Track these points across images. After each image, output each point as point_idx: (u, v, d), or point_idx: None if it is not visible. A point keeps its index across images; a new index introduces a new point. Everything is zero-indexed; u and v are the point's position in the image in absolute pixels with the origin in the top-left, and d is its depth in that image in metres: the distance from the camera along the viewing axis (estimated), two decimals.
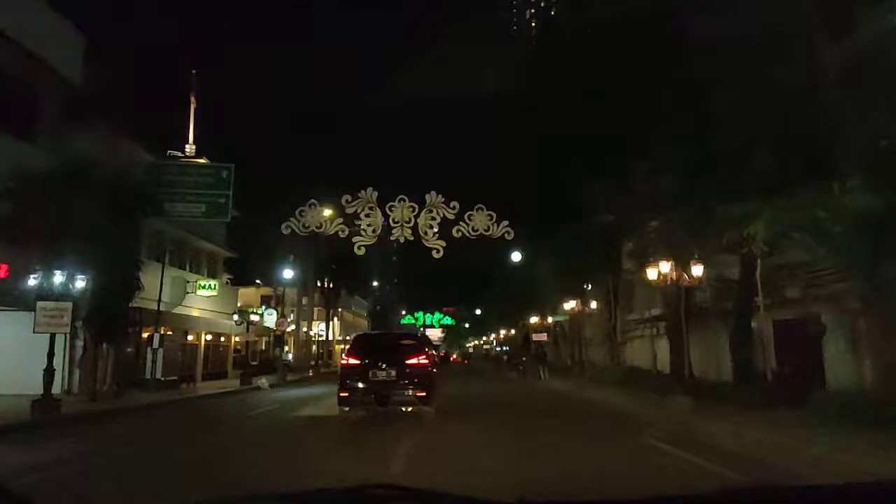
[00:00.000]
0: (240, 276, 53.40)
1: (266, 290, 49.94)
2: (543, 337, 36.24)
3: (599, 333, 33.56)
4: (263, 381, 26.93)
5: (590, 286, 30.83)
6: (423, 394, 12.81)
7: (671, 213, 15.33)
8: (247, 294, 52.65)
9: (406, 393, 12.78)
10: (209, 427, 13.39)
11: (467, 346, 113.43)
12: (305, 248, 44.27)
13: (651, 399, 15.60)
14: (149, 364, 22.23)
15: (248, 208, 35.59)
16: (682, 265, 14.37)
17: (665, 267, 14.39)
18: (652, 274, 14.98)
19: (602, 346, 33.40)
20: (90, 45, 19.24)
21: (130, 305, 19.57)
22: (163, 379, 22.56)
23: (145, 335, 22.88)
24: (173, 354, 24.58)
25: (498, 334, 74.08)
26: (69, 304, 13.86)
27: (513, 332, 60.62)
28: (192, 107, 35.42)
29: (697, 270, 14.21)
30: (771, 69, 12.59)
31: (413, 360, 13.18)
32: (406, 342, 14.66)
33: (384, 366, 12.94)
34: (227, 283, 44.15)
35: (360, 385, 12.85)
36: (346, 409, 13.20)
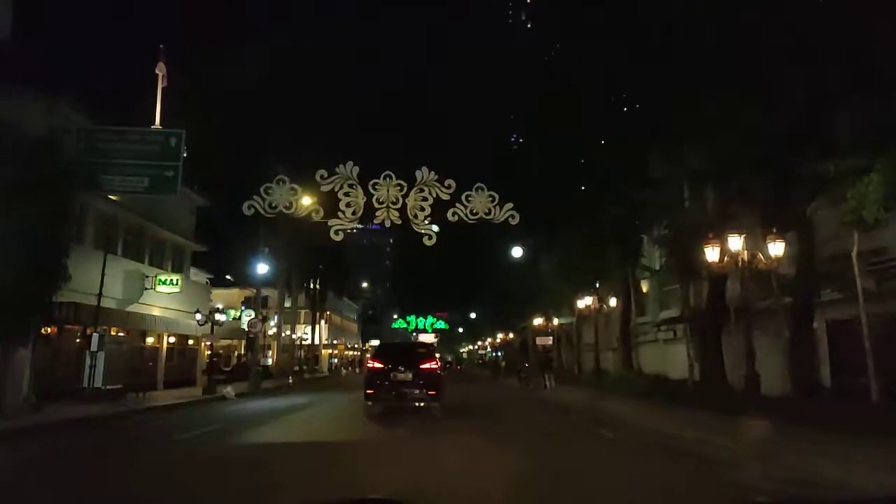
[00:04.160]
0: (224, 276, 50.01)
1: (250, 292, 46.51)
2: (548, 341, 32.80)
3: (607, 337, 30.27)
4: (229, 390, 23.44)
5: (598, 284, 27.61)
6: (434, 392, 15.22)
7: (734, 180, 12.00)
8: (229, 295, 49.57)
9: (420, 391, 15.13)
10: (96, 461, 9.58)
11: (461, 350, 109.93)
12: (291, 245, 40.93)
13: (705, 419, 12.13)
14: (86, 370, 18.70)
15: (227, 201, 32.21)
16: (753, 243, 11.04)
17: (735, 243, 10.98)
18: (712, 255, 11.59)
19: (607, 352, 30.14)
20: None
21: (56, 299, 16.13)
22: (104, 388, 19.03)
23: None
24: (121, 358, 21.06)
25: (494, 339, 70.66)
26: None
27: (511, 336, 57.15)
28: (160, 85, 31.76)
29: (776, 249, 10.85)
30: None
31: (426, 365, 15.75)
32: (420, 350, 17.67)
33: (403, 369, 15.41)
34: (206, 282, 40.70)
35: (385, 384, 15.30)
36: (370, 403, 15.54)
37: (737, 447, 8.23)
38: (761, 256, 10.96)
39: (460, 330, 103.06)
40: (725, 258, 11.30)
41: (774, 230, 10.85)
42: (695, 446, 9.48)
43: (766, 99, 12.40)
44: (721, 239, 11.45)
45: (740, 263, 11.10)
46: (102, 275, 19.19)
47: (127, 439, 12.27)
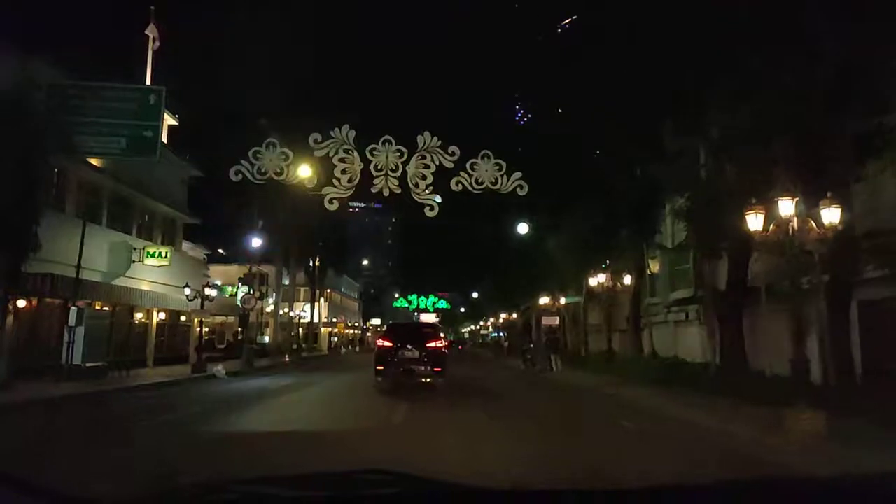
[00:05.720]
0: (221, 252, 48.84)
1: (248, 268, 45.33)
2: (555, 321, 31.49)
3: (615, 318, 29.05)
4: (220, 369, 22.33)
5: (609, 262, 26.36)
6: (439, 369, 16.29)
7: (770, 145, 10.58)
8: (227, 272, 48.47)
9: (426, 368, 16.08)
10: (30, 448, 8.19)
11: (463, 331, 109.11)
12: (290, 220, 39.67)
13: (737, 408, 10.86)
14: (65, 346, 17.53)
15: (223, 172, 30.79)
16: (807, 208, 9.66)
17: (787, 208, 9.58)
18: (755, 223, 10.24)
19: (615, 333, 28.95)
20: None
21: (28, 270, 14.95)
22: (84, 365, 17.86)
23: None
24: (105, 334, 19.88)
25: (497, 319, 69.58)
26: None
27: (514, 316, 56.01)
28: (151, 47, 30.12)
29: (832, 216, 9.48)
30: None
31: (432, 344, 16.66)
32: (427, 330, 19.05)
33: (410, 347, 16.37)
34: (203, 258, 39.52)
35: (394, 361, 16.26)
36: (380, 379, 16.39)
37: (775, 440, 6.95)
38: (813, 225, 9.59)
39: (462, 310, 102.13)
40: (771, 227, 9.92)
41: (829, 195, 9.47)
42: (729, 438, 8.20)
43: (808, 50, 11.00)
44: (766, 205, 10.05)
45: (791, 232, 9.71)
46: (81, 244, 17.94)
47: (84, 423, 10.94)
